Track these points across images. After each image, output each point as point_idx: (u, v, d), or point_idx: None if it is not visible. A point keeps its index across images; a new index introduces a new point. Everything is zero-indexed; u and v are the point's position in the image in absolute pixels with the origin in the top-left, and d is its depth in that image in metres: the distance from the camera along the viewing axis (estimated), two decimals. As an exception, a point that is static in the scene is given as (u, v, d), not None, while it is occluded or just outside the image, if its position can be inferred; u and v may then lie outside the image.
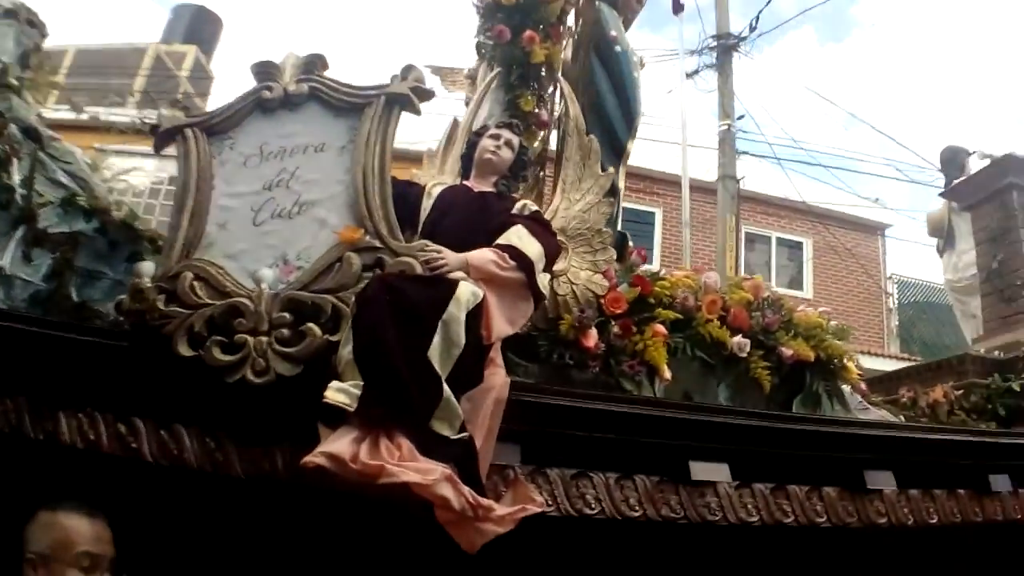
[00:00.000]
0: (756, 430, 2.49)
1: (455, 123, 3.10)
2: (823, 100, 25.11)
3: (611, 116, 3.36)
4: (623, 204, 3.37)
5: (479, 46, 3.51)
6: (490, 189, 2.63)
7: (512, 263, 2.18)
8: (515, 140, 2.72)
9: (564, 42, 3.61)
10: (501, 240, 2.25)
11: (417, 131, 3.41)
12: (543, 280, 2.25)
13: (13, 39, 2.59)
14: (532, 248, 2.24)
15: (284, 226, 2.22)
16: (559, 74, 3.24)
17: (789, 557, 2.55)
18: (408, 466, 1.73)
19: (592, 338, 2.48)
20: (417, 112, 2.31)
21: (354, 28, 44.58)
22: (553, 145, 3.35)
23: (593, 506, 2.21)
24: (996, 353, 4.10)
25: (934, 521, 2.65)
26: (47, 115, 2.68)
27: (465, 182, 2.70)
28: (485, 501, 1.84)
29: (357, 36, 43.55)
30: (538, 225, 2.38)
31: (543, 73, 3.37)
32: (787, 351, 2.80)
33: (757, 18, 8.41)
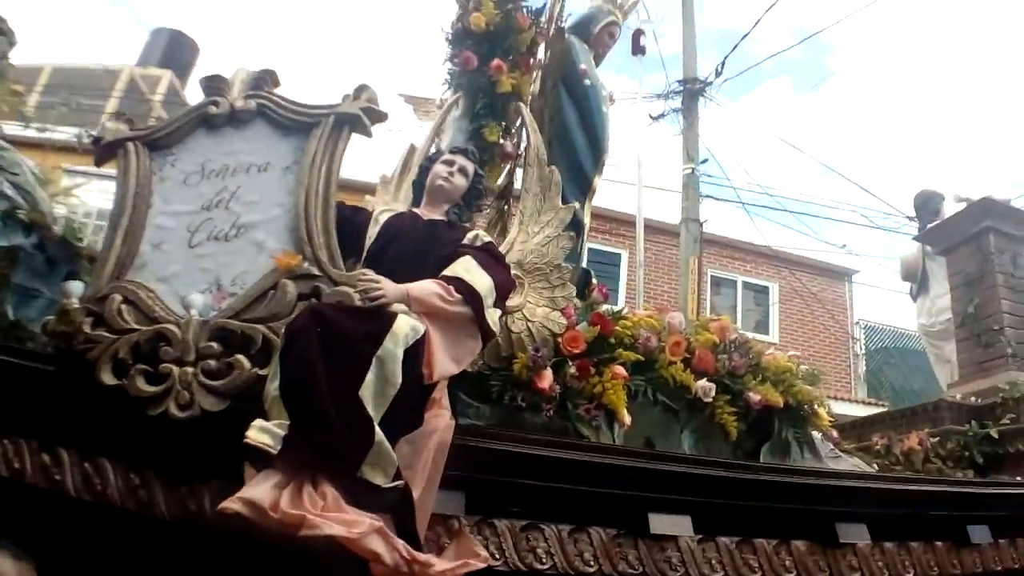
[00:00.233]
0: (721, 480, 2.40)
1: (412, 149, 3.00)
2: (792, 148, 25.64)
3: (579, 150, 3.35)
4: (589, 245, 3.28)
5: (448, 73, 3.46)
6: (441, 217, 2.51)
7: (458, 296, 2.04)
8: (469, 167, 2.59)
9: (533, 74, 3.57)
10: (448, 272, 2.13)
11: (385, 161, 3.32)
12: (493, 316, 2.11)
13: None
14: (481, 281, 2.10)
15: (220, 249, 2.12)
16: (523, 104, 3.16)
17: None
18: (332, 517, 1.59)
19: (547, 379, 2.38)
20: (368, 134, 2.22)
21: (333, 61, 45.10)
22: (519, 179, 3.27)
23: (544, 561, 2.10)
24: (972, 399, 4.08)
25: (910, 575, 2.57)
26: (9, 131, 2.57)
27: (415, 209, 2.57)
28: (423, 556, 1.72)
29: (336, 69, 43.99)
30: (490, 257, 2.25)
31: (510, 104, 3.31)
32: (755, 396, 2.74)
33: (723, 63, 8.42)
